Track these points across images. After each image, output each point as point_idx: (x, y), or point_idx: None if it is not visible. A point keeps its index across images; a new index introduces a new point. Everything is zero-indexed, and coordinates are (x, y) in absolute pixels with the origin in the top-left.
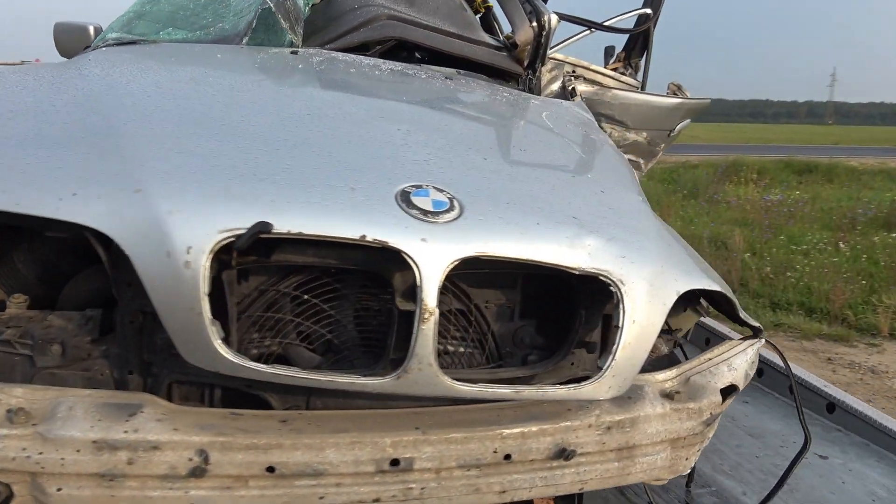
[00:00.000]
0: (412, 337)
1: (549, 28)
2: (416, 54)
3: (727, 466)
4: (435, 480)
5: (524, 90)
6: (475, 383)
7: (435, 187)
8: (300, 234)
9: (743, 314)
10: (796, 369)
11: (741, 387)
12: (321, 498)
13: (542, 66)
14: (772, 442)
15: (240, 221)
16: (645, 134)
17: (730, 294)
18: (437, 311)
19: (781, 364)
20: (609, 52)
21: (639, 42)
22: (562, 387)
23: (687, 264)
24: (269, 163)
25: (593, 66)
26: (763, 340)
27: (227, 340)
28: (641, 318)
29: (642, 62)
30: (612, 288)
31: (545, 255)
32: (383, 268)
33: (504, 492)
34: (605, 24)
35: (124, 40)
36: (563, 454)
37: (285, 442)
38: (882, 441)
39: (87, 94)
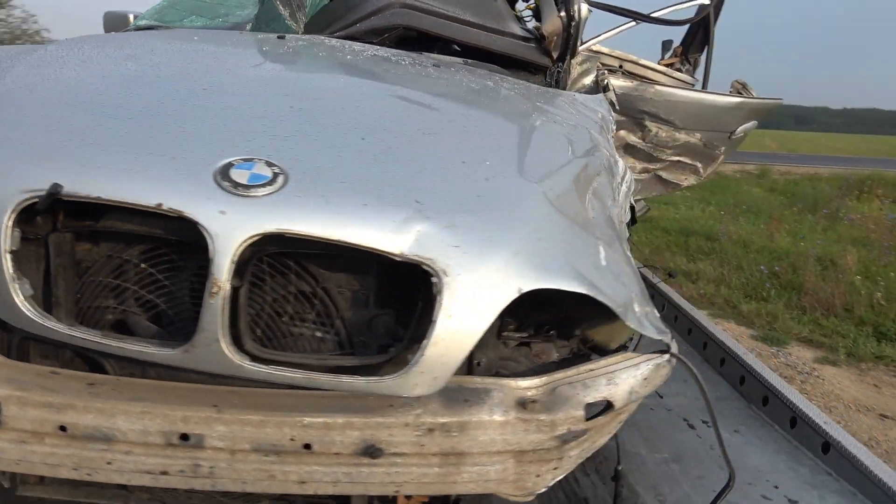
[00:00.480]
0: (200, 311)
1: (579, 18)
2: (437, 45)
3: (672, 499)
4: (227, 461)
5: (550, 83)
6: (267, 364)
7: (267, 162)
8: (98, 198)
9: (645, 325)
10: (798, 400)
11: (620, 405)
12: (109, 463)
13: (572, 58)
14: (741, 478)
15: (44, 183)
16: (699, 135)
17: (609, 301)
18: (227, 286)
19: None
20: (666, 46)
21: (698, 36)
22: (360, 378)
23: (555, 262)
24: (108, 131)
25: (642, 61)
26: (667, 357)
27: (34, 298)
28: (461, 314)
29: (703, 58)
30: (433, 278)
31: (363, 238)
32: (191, 239)
33: (304, 483)
34: (653, 15)
35: (148, 25)
36: (370, 451)
37: (78, 403)
38: (872, 493)
39: (37, 66)
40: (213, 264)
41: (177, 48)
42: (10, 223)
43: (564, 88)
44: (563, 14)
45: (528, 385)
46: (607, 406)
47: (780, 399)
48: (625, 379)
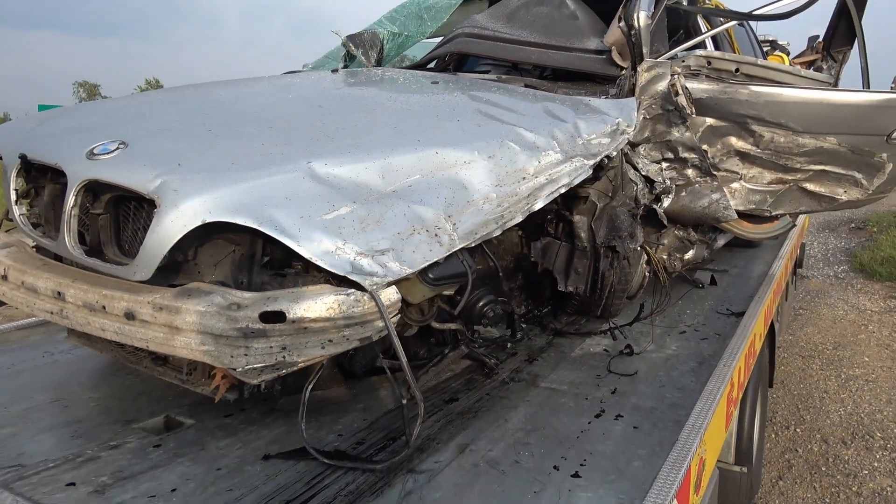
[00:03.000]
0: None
1: (638, 27)
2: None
3: None
4: (72, 310)
5: (618, 93)
6: (87, 255)
7: (121, 142)
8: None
9: (350, 274)
10: None
11: (293, 317)
12: (35, 304)
13: (637, 66)
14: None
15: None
16: (834, 139)
17: (289, 242)
18: (69, 209)
19: None
20: (811, 42)
21: (839, 28)
22: (115, 266)
23: (245, 208)
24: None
25: (761, 62)
26: (352, 292)
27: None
28: (162, 231)
29: (849, 53)
30: (155, 209)
31: (128, 182)
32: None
33: (104, 330)
34: (756, 12)
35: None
36: (129, 315)
37: (30, 271)
38: None
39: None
40: (67, 197)
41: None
42: (14, 174)
43: (633, 95)
44: (622, 25)
45: (242, 295)
46: (278, 315)
47: None
48: (306, 301)
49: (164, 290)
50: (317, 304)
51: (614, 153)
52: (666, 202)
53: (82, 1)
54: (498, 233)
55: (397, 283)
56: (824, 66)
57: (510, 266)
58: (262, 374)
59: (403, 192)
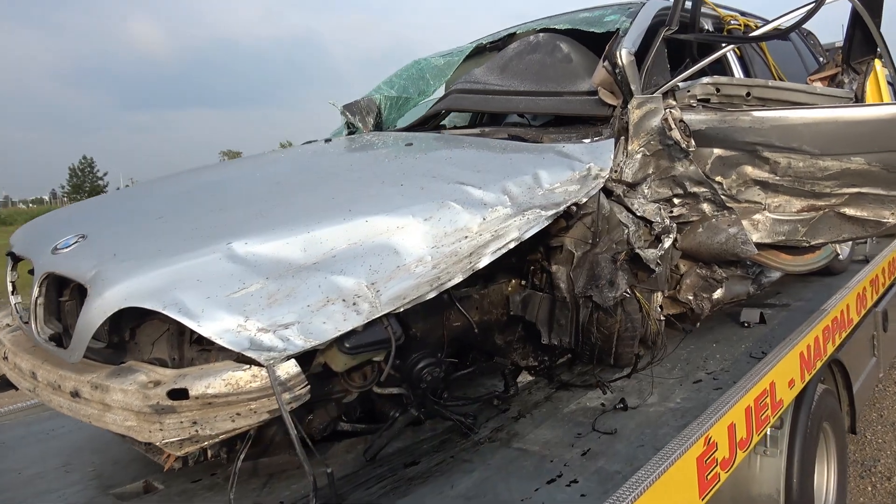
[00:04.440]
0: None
1: (622, 64)
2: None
3: None
4: (42, 388)
5: (611, 133)
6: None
7: (81, 235)
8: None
9: (247, 350)
10: None
11: (195, 394)
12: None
13: (626, 104)
14: None
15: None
16: (861, 159)
17: (190, 322)
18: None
19: None
20: (831, 55)
21: (856, 38)
22: (62, 350)
23: (156, 293)
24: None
25: (772, 83)
26: (249, 369)
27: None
28: (90, 314)
29: (873, 63)
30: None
31: (69, 270)
32: None
33: (61, 406)
34: (752, 34)
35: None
36: (74, 393)
37: (21, 353)
38: None
39: None
40: (33, 287)
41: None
42: (9, 268)
43: (626, 134)
44: (606, 64)
45: (164, 373)
46: (181, 392)
47: None
48: (208, 378)
49: (102, 370)
50: (216, 381)
51: (584, 199)
52: (667, 243)
53: (223, 79)
54: (433, 295)
55: (323, 353)
56: (846, 80)
57: (502, 319)
58: (184, 446)
59: (324, 264)
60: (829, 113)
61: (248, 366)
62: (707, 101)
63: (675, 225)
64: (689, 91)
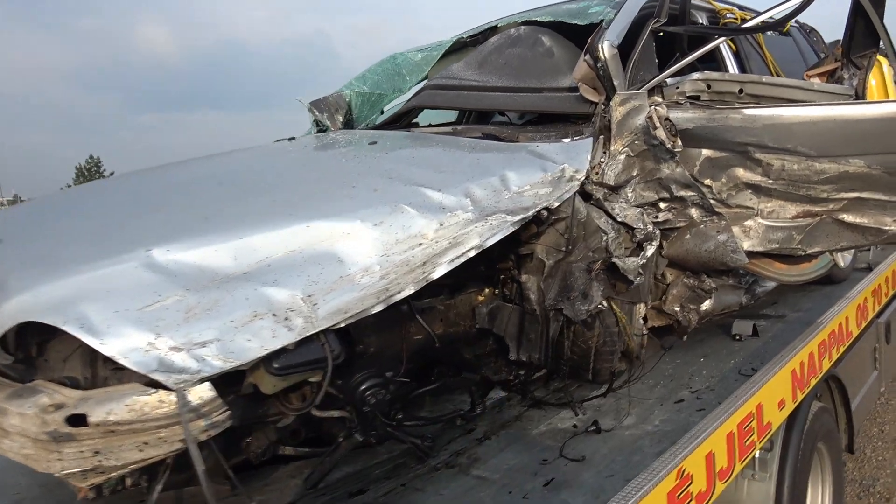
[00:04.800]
0: None
1: (604, 58)
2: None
3: None
4: None
5: (593, 131)
6: None
7: None
8: None
9: (154, 372)
10: None
11: (95, 421)
12: None
13: (609, 100)
14: None
15: None
16: (860, 161)
17: (91, 340)
18: None
19: None
20: (831, 49)
21: (857, 30)
22: None
23: (57, 308)
24: None
25: (766, 79)
26: (155, 393)
27: None
28: None
29: (875, 58)
30: None
31: None
32: None
33: None
34: (745, 26)
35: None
36: None
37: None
38: None
39: None
40: None
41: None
42: None
43: (609, 132)
44: (587, 57)
45: (70, 394)
46: (80, 417)
47: None
48: (110, 403)
49: (4, 389)
50: (119, 406)
51: (557, 203)
52: (649, 251)
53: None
54: (380, 308)
55: (252, 373)
56: (845, 76)
57: (471, 331)
58: (88, 478)
59: (256, 274)
60: (825, 111)
61: (154, 389)
62: (697, 98)
63: (658, 231)
64: (677, 87)
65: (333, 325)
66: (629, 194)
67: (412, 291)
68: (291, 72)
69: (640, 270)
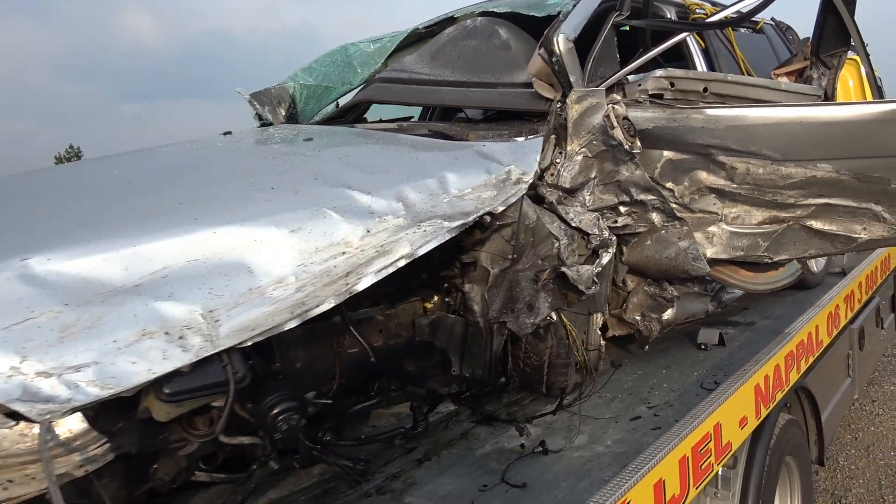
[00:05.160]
0: None
1: (559, 52)
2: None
3: None
4: None
5: (547, 130)
6: None
7: None
8: None
9: (14, 401)
10: None
11: None
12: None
13: (566, 97)
14: None
15: None
16: (828, 166)
17: None
18: None
19: None
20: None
21: (827, 27)
22: None
23: None
24: None
25: (732, 78)
26: (24, 424)
27: None
28: None
29: (846, 56)
30: None
31: None
32: None
33: None
34: (709, 20)
35: None
36: None
37: None
38: None
39: None
40: None
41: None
42: None
43: (566, 130)
44: (542, 51)
45: None
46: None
47: None
48: None
49: None
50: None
51: (501, 208)
52: (605, 258)
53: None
54: (294, 323)
55: (146, 397)
56: (814, 76)
57: (415, 342)
58: None
59: (149, 286)
60: (791, 112)
61: (15, 421)
62: (660, 97)
63: (614, 238)
64: (639, 85)
65: (238, 344)
66: (587, 197)
67: (333, 305)
68: (279, 63)
69: (595, 279)
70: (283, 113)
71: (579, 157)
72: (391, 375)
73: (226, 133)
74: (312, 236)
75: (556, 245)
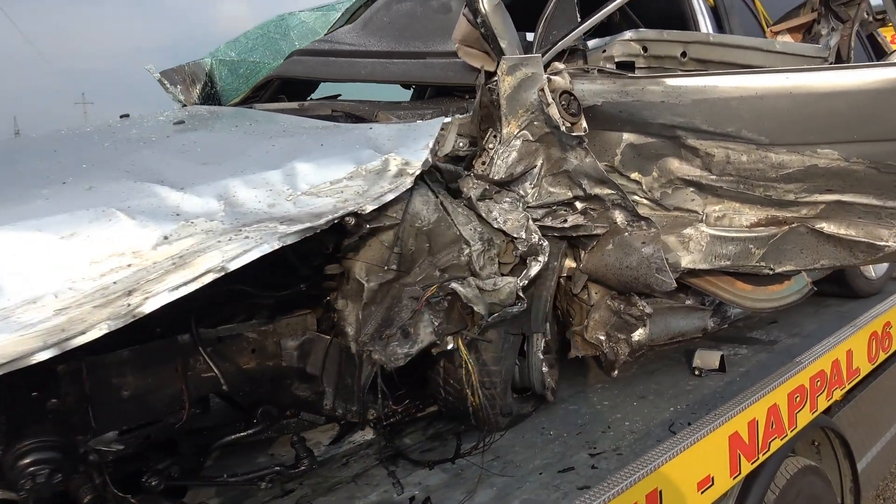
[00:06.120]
0: None
1: (485, 12)
2: None
3: None
4: None
5: (474, 109)
6: None
7: None
8: None
9: None
10: None
11: None
12: None
13: (497, 67)
14: None
15: None
16: (832, 151)
17: None
18: None
19: None
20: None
21: None
22: None
23: None
24: None
25: (715, 38)
26: None
27: None
28: None
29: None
30: None
31: None
32: None
33: None
34: None
35: None
36: None
37: None
38: None
39: None
40: None
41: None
42: None
43: (499, 108)
44: (466, 11)
45: None
46: None
47: None
48: None
49: None
50: None
51: (371, 207)
52: (534, 268)
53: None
54: (47, 355)
55: None
56: (823, 32)
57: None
58: None
59: None
60: (776, 81)
61: None
62: (631, 65)
63: (545, 244)
64: (604, 51)
65: None
66: (529, 191)
67: (107, 331)
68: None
69: (521, 294)
70: (197, 92)
71: (518, 142)
72: (275, 402)
73: (123, 116)
74: (89, 244)
75: (467, 252)
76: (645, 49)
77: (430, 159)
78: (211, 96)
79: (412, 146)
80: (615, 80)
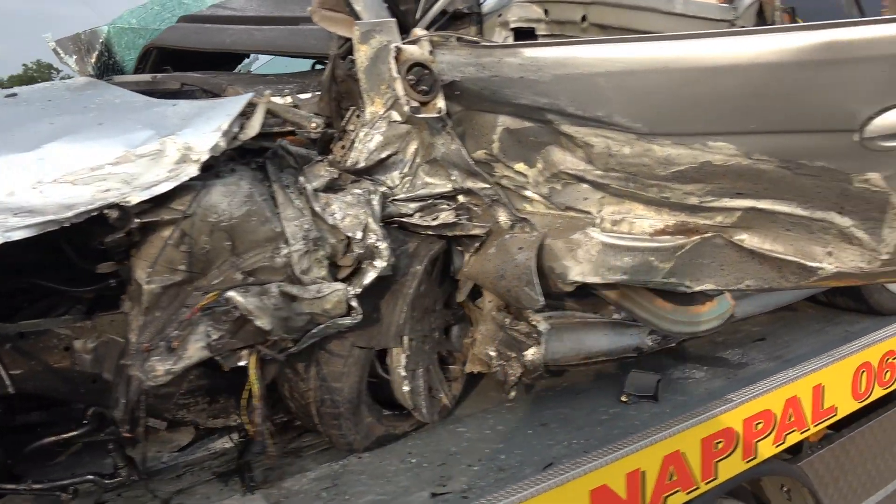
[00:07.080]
0: None
1: None
2: None
3: None
4: None
5: (332, 79)
6: None
7: None
8: None
9: None
10: None
11: None
12: None
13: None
14: None
15: None
16: (727, 144)
17: None
18: None
19: None
20: None
21: None
22: None
23: None
24: None
25: None
26: None
27: None
28: None
29: None
30: None
31: None
32: None
33: None
34: None
35: None
36: None
37: None
38: None
39: None
40: None
41: None
42: None
43: (358, 83)
44: None
45: None
46: None
47: None
48: None
49: None
50: None
51: (138, 199)
52: (370, 275)
53: None
54: None
55: None
56: None
57: None
58: None
59: None
60: (648, 51)
61: None
62: (531, 32)
63: (384, 247)
64: (499, 16)
65: None
66: (398, 181)
67: None
68: None
69: (353, 304)
70: (92, 62)
71: (383, 124)
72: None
73: (11, 94)
74: None
75: (285, 252)
76: (546, 12)
77: (221, 144)
78: (109, 67)
79: (201, 128)
80: (470, 50)
